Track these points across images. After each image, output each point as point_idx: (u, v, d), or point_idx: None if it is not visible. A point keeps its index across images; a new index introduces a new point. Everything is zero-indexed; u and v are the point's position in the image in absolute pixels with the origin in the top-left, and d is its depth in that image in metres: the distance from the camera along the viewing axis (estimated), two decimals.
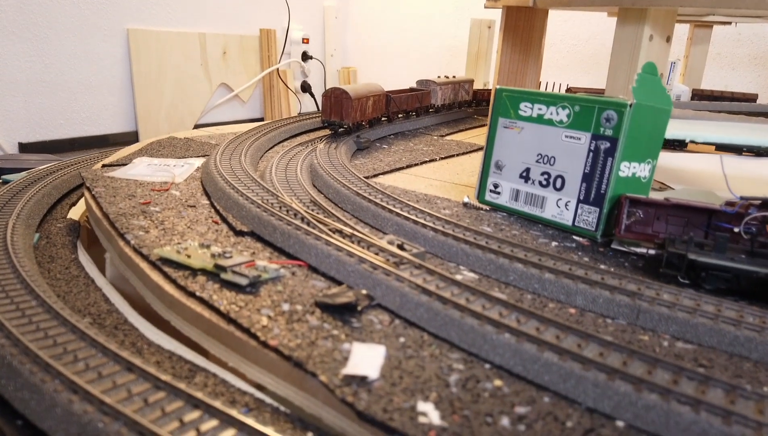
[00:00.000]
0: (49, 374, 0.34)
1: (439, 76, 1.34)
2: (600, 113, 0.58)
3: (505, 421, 0.32)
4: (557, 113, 0.61)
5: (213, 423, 0.31)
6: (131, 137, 1.79)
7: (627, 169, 0.58)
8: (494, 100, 0.66)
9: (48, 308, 0.41)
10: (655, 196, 0.58)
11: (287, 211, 0.58)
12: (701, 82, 1.45)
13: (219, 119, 2.04)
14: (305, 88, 2.28)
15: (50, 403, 0.32)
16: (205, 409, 0.32)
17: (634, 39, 0.79)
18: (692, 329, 0.42)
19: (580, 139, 0.59)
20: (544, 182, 0.63)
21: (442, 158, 0.98)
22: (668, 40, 0.84)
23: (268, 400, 0.37)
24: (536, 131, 0.63)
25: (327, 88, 2.17)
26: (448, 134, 1.22)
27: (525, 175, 0.64)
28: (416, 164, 0.92)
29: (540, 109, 0.62)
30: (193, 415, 0.31)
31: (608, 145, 0.58)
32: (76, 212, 0.77)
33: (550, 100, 0.61)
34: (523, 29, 1.10)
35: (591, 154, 0.59)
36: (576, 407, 0.34)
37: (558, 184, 0.61)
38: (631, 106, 0.56)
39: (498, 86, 0.66)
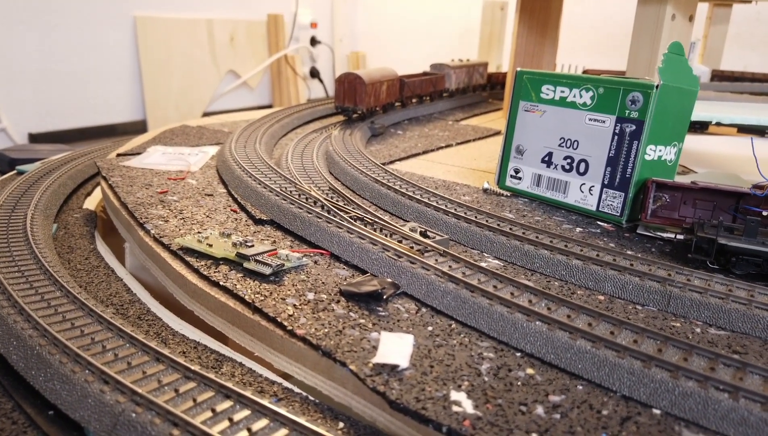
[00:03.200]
0: (79, 365, 0.33)
1: (453, 60, 1.32)
2: (625, 95, 0.56)
3: (539, 410, 0.31)
4: (580, 96, 0.59)
5: (245, 413, 0.31)
6: (140, 126, 1.78)
7: (653, 152, 0.57)
8: (514, 83, 0.65)
9: (73, 299, 0.41)
10: (680, 180, 0.57)
11: (306, 199, 0.58)
12: (720, 62, 1.42)
13: (228, 106, 2.03)
14: (314, 73, 2.27)
15: (82, 393, 0.32)
16: (236, 399, 0.32)
17: (656, 18, 0.77)
18: (725, 315, 0.41)
19: (604, 122, 0.58)
20: (567, 167, 0.61)
21: (458, 144, 0.97)
22: (691, 19, 0.82)
23: (296, 390, 0.37)
24: (559, 114, 0.61)
25: (336, 73, 2.15)
26: (463, 119, 1.20)
27: (547, 160, 0.63)
28: (432, 150, 0.91)
29: (562, 91, 0.61)
30: (225, 405, 0.31)
31: (634, 127, 0.56)
32: (91, 202, 0.77)
33: (573, 82, 0.60)
34: (539, 10, 1.08)
35: (616, 137, 0.57)
36: (611, 395, 0.33)
37: (581, 168, 0.60)
38: (657, 87, 0.54)
39: (518, 69, 0.64)
